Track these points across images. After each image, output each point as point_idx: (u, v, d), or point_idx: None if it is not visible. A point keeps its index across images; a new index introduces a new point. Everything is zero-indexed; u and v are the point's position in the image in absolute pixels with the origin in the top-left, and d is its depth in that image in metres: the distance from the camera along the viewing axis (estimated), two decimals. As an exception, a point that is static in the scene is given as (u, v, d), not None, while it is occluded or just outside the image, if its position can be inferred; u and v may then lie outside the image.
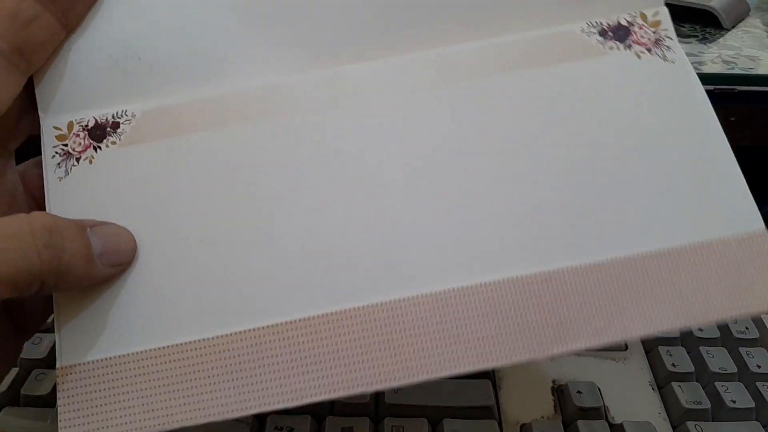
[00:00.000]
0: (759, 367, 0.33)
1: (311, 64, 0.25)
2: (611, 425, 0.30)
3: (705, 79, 0.41)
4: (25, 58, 0.23)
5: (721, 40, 0.48)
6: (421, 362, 0.21)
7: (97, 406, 0.22)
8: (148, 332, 0.22)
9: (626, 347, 0.34)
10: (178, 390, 0.22)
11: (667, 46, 0.24)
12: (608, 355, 0.34)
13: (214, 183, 0.23)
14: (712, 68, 0.44)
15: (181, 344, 0.22)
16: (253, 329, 0.22)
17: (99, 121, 0.24)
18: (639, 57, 0.24)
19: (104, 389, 0.22)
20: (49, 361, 0.32)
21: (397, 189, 0.23)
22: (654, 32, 0.25)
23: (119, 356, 0.22)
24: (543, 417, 0.31)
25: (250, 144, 0.24)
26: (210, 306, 0.22)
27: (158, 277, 0.23)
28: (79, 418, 0.21)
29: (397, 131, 0.24)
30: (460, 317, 0.22)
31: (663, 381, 0.33)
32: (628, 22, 0.25)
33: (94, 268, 0.21)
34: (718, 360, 0.33)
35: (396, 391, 0.30)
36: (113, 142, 0.24)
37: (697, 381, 0.33)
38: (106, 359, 0.22)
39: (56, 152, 0.24)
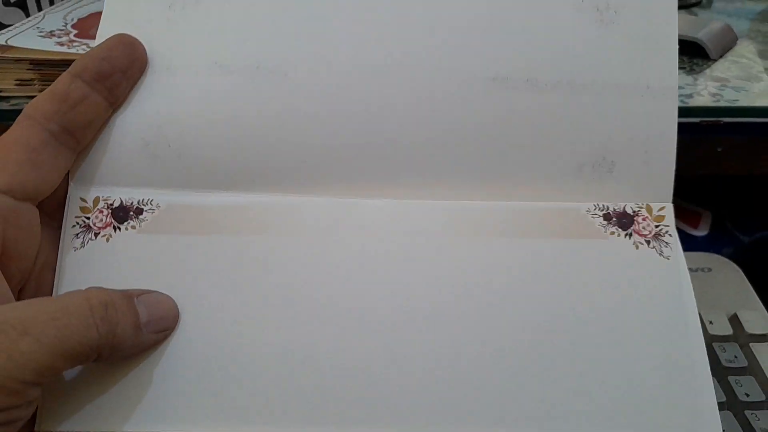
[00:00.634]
0: (747, 395, 0.35)
1: (330, 189, 0.26)
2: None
3: (691, 112, 0.43)
4: (74, 136, 0.25)
5: (708, 71, 0.49)
6: None
7: None
8: (140, 414, 0.23)
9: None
10: None
11: (666, 242, 0.26)
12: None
13: (221, 285, 0.25)
14: (699, 101, 0.44)
15: None
16: None
17: (124, 203, 0.26)
18: (637, 247, 0.26)
19: None
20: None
21: (383, 325, 0.24)
22: (656, 226, 0.26)
23: None
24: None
25: (261, 254, 0.25)
26: (199, 400, 0.24)
27: (152, 364, 0.24)
28: None
29: (397, 270, 0.25)
30: None
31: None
32: (633, 211, 0.26)
33: (142, 336, 0.23)
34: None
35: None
36: (133, 227, 0.26)
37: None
38: None
39: (77, 223, 0.26)
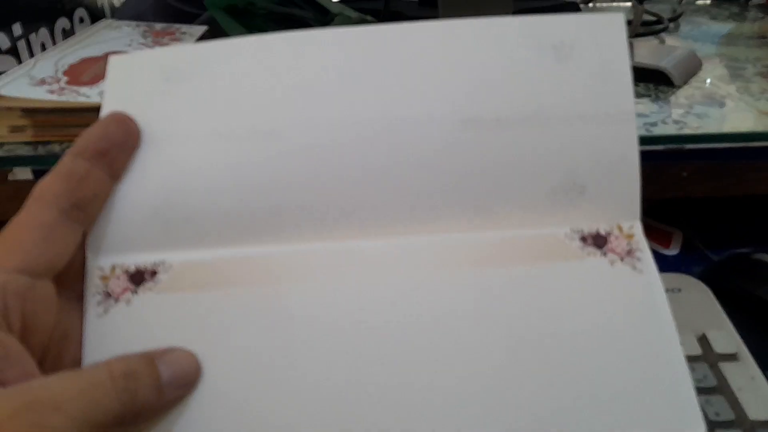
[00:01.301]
0: (717, 414, 0.37)
1: (331, 236, 0.28)
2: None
3: (656, 140, 0.45)
4: (83, 211, 0.26)
5: (672, 98, 0.51)
6: None
7: None
8: None
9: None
10: None
11: (638, 258, 0.28)
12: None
13: (239, 336, 0.27)
14: (663, 129, 0.46)
15: None
16: None
17: (139, 267, 0.28)
18: (612, 264, 0.28)
19: None
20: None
21: (393, 360, 0.26)
22: (627, 243, 0.28)
23: None
24: None
25: (275, 303, 0.27)
26: None
27: (176, 420, 0.25)
28: None
29: (398, 306, 0.27)
30: None
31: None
32: (606, 232, 0.29)
33: (164, 396, 0.25)
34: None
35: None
36: (150, 288, 0.27)
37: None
38: None
39: (98, 292, 0.27)
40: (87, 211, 0.27)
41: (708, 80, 0.54)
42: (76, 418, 0.21)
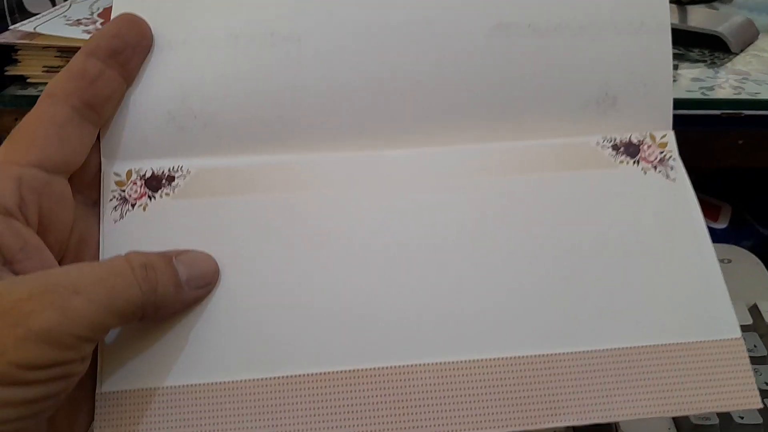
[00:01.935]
0: (766, 384, 0.35)
1: (353, 145, 0.28)
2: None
3: (713, 104, 0.43)
4: (95, 111, 0.26)
5: (729, 64, 0.49)
6: (426, 423, 0.25)
7: None
8: (189, 368, 0.25)
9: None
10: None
11: (671, 166, 0.28)
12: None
13: (257, 241, 0.27)
14: (720, 93, 0.45)
15: (220, 383, 0.25)
16: (279, 377, 0.25)
17: (156, 172, 0.27)
18: (645, 173, 0.28)
19: (141, 417, 0.24)
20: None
21: (417, 267, 0.26)
22: (661, 152, 0.28)
23: (158, 388, 0.25)
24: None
25: (293, 210, 0.27)
26: (241, 351, 0.25)
27: (201, 319, 0.26)
28: None
29: (425, 214, 0.27)
30: (467, 387, 0.25)
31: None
32: (638, 140, 0.28)
33: (183, 293, 0.25)
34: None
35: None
36: (167, 194, 0.27)
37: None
38: (145, 390, 0.25)
39: (114, 196, 0.27)
40: (100, 113, 0.26)
41: (765, 49, 0.52)
42: (97, 301, 0.21)
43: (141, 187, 0.27)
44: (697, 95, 0.43)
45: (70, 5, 0.48)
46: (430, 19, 0.28)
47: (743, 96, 0.44)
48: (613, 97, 0.28)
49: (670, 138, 0.28)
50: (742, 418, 0.33)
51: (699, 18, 0.54)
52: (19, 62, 0.43)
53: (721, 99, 0.43)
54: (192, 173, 0.27)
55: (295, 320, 0.26)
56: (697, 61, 0.49)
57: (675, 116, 0.29)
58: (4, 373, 0.19)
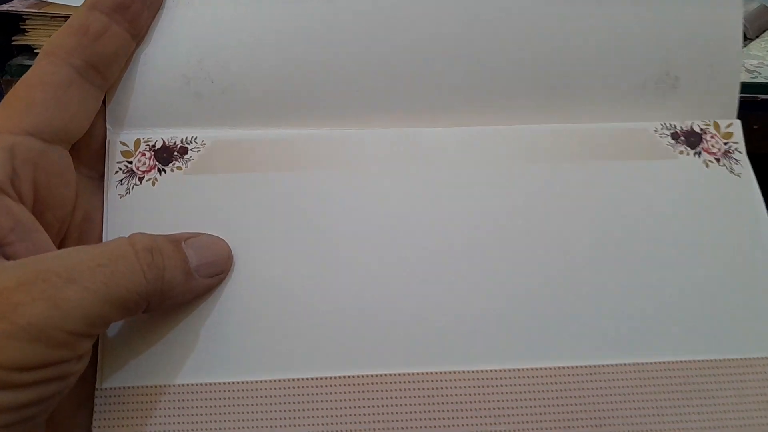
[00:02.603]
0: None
1: (387, 120, 0.25)
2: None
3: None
4: (99, 72, 0.23)
5: (745, 49, 0.50)
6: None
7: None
8: (198, 366, 0.23)
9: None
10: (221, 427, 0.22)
11: (736, 159, 0.25)
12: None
13: (277, 224, 0.24)
14: None
15: (228, 383, 0.23)
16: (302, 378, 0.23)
17: (167, 143, 0.25)
18: (707, 166, 0.25)
19: (144, 417, 0.22)
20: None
21: (451, 265, 0.24)
22: (725, 143, 0.26)
23: (163, 386, 0.23)
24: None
25: (318, 189, 0.24)
26: (256, 349, 0.23)
27: (213, 312, 0.23)
28: None
29: (463, 202, 0.24)
30: (510, 397, 0.23)
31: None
32: (701, 129, 0.26)
33: (193, 281, 0.22)
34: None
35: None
36: (179, 168, 0.25)
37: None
38: (149, 387, 0.23)
39: (120, 168, 0.24)
40: (105, 74, 0.24)
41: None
42: (95, 291, 0.19)
43: (150, 159, 0.25)
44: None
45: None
46: None
47: (759, 80, 0.44)
48: (674, 78, 0.26)
49: (736, 128, 0.26)
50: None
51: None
52: (27, 32, 0.41)
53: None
54: (207, 145, 0.25)
55: (317, 317, 0.23)
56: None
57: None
58: None
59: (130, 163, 0.24)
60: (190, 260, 0.22)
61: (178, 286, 0.21)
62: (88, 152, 0.24)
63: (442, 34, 0.25)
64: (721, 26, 0.25)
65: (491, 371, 0.23)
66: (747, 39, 0.52)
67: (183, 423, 0.22)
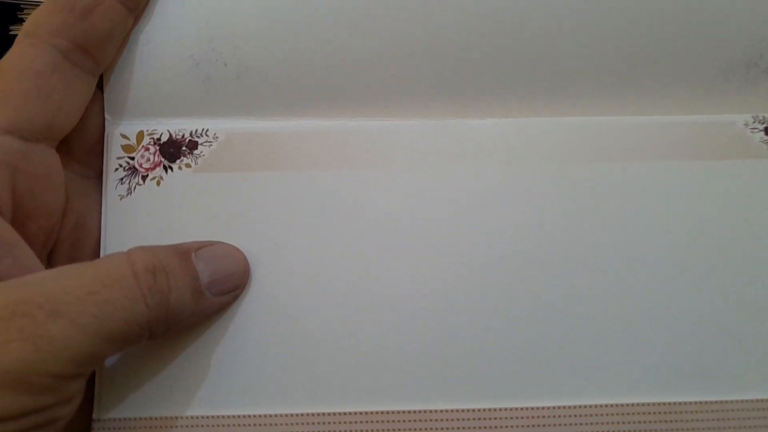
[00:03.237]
0: None
1: (426, 109, 0.23)
2: None
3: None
4: (89, 54, 0.21)
5: None
6: None
7: None
8: (208, 396, 0.21)
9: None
10: None
11: None
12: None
13: (299, 231, 0.22)
14: None
15: (231, 416, 0.21)
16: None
17: (174, 136, 0.22)
18: None
19: None
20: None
21: (495, 283, 0.22)
22: None
23: (168, 418, 0.21)
24: None
25: (349, 192, 0.22)
26: (274, 377, 0.21)
27: (225, 335, 0.21)
28: None
29: (511, 209, 0.22)
30: None
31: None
32: None
33: (204, 301, 0.20)
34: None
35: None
36: (187, 165, 0.22)
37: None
38: (153, 419, 0.21)
39: (120, 165, 0.22)
40: (97, 56, 0.21)
41: None
42: (85, 325, 0.16)
43: (155, 154, 0.22)
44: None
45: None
46: None
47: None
48: None
49: None
50: None
51: None
52: (25, 22, 0.40)
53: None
54: (220, 139, 0.22)
55: (342, 343, 0.21)
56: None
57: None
58: None
59: (132, 158, 0.22)
60: (201, 276, 0.20)
61: (186, 310, 0.19)
62: (82, 147, 0.22)
63: (496, 8, 0.22)
64: None
65: (569, 407, 0.21)
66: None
67: None
